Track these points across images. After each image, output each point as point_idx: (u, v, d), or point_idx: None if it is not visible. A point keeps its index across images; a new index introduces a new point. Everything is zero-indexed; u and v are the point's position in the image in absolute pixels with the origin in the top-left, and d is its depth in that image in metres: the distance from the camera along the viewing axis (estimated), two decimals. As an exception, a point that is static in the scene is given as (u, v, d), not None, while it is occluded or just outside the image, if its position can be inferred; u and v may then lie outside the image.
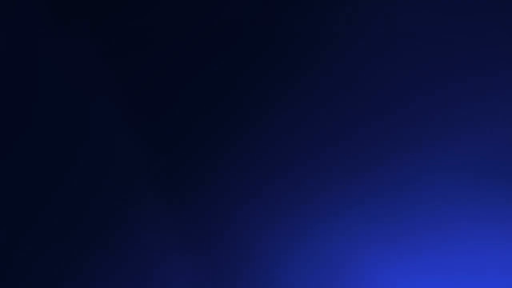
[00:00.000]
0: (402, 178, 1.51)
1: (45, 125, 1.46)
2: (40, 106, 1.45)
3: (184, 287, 1.61)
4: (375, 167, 1.52)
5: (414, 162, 1.49)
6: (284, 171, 1.57)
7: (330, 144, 1.52)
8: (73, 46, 1.53)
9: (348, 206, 1.55)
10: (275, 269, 1.63)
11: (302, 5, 1.46)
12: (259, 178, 1.58)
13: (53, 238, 1.44)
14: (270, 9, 1.48)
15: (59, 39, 1.51)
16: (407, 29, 1.42)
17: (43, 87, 1.46)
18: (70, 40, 1.53)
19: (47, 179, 1.44)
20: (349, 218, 1.56)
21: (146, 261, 1.56)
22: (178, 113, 1.57)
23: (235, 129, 1.56)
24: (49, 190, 1.44)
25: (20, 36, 1.45)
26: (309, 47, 1.48)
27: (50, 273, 1.43)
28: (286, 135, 1.54)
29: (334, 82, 1.48)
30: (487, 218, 1.50)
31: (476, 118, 1.44)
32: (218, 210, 1.62)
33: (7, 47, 1.43)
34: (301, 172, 1.56)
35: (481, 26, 1.37)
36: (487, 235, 1.51)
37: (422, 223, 1.53)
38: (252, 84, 1.52)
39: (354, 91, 1.48)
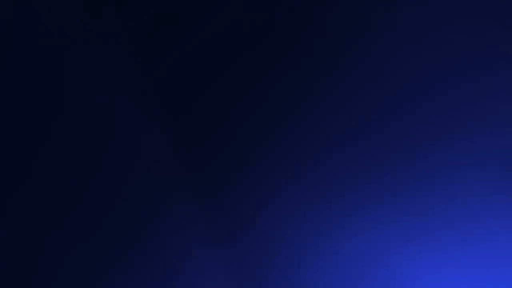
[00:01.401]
0: (428, 175, 1.51)
1: (78, 124, 1.47)
2: (71, 106, 1.47)
3: (213, 280, 1.60)
4: (400, 165, 1.52)
5: (439, 160, 1.49)
6: (310, 169, 1.58)
7: (355, 143, 1.53)
8: (103, 47, 1.54)
9: (373, 203, 1.56)
10: (301, 264, 1.63)
11: (317, 10, 1.48)
12: (286, 175, 1.59)
13: (85, 232, 1.45)
14: (292, 11, 1.50)
15: (90, 39, 1.53)
16: (422, 32, 1.43)
17: (75, 89, 1.48)
18: (100, 40, 1.54)
19: (79, 176, 1.46)
20: (374, 215, 1.57)
21: (175, 256, 1.56)
22: (206, 111, 1.58)
23: (262, 127, 1.56)
24: (81, 186, 1.46)
25: (51, 38, 1.48)
26: (323, 51, 1.49)
27: (84, 263, 1.44)
28: (312, 135, 1.54)
29: (355, 83, 1.50)
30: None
31: (493, 118, 1.45)
32: (245, 206, 1.62)
33: (40, 48, 1.46)
34: (328, 170, 1.57)
35: (493, 27, 1.38)
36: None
37: (447, 219, 1.52)
38: (279, 84, 1.54)
39: (376, 92, 1.49)
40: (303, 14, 1.49)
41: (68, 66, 1.48)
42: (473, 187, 1.50)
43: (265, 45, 1.52)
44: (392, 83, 1.49)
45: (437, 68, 1.45)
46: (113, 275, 1.48)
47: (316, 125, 1.55)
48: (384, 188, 1.55)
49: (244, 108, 1.58)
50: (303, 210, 1.62)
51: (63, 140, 1.45)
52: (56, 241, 1.42)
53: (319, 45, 1.50)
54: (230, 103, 1.59)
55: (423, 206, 1.54)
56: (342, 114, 1.53)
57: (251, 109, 1.57)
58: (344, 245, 1.62)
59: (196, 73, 1.59)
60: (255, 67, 1.55)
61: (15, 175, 1.39)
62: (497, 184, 1.48)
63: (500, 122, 1.44)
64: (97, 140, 1.50)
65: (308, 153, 1.57)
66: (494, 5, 1.35)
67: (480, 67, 1.42)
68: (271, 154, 1.60)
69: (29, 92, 1.42)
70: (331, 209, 1.61)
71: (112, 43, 1.56)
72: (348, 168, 1.56)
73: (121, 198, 1.51)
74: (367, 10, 1.45)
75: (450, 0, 1.39)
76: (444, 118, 1.48)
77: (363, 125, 1.53)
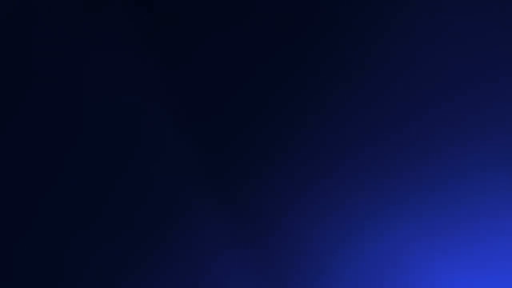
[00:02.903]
0: (447, 175, 1.51)
1: (101, 127, 1.51)
2: (95, 109, 1.51)
3: (237, 282, 1.62)
4: (419, 165, 1.53)
5: (465, 158, 1.49)
6: (332, 171, 1.58)
7: (382, 140, 1.54)
8: (125, 49, 1.57)
9: (399, 202, 1.56)
10: (327, 264, 1.64)
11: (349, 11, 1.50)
12: (308, 177, 1.59)
13: (110, 235, 1.50)
14: (315, 13, 1.51)
15: (110, 44, 1.56)
16: (441, 33, 1.44)
17: (96, 91, 1.51)
18: (122, 44, 1.57)
19: (104, 180, 1.50)
20: (403, 215, 1.57)
21: (200, 258, 1.58)
22: (230, 114, 1.59)
23: (285, 130, 1.58)
24: (106, 189, 1.50)
25: (75, 42, 1.51)
26: (343, 55, 1.51)
27: (109, 264, 1.49)
28: (334, 137, 1.56)
29: (374, 85, 1.51)
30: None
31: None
32: (269, 208, 1.63)
33: (59, 52, 1.48)
34: (348, 171, 1.57)
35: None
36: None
37: (468, 218, 1.52)
38: (301, 87, 1.55)
39: (394, 93, 1.50)
40: (325, 16, 1.50)
41: (88, 68, 1.52)
42: (491, 186, 1.49)
43: (288, 48, 1.54)
44: (410, 84, 1.49)
45: (455, 69, 1.45)
46: (139, 276, 1.52)
47: (337, 128, 1.56)
48: (405, 188, 1.55)
49: (267, 111, 1.59)
50: (326, 211, 1.62)
51: (87, 144, 1.49)
52: (81, 242, 1.47)
53: (339, 49, 1.51)
54: (253, 107, 1.60)
55: (444, 205, 1.54)
56: (360, 117, 1.54)
57: (274, 112, 1.58)
58: (368, 245, 1.62)
59: (219, 75, 1.60)
60: (278, 70, 1.56)
61: (40, 178, 1.43)
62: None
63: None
64: (120, 144, 1.53)
65: (330, 155, 1.58)
66: None
67: (499, 67, 1.42)
68: (294, 157, 1.60)
69: (50, 96, 1.46)
70: (353, 210, 1.61)
71: (133, 46, 1.59)
72: (367, 170, 1.56)
73: (146, 201, 1.54)
74: (388, 14, 1.46)
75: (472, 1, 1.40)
76: (462, 117, 1.48)
77: (381, 127, 1.53)
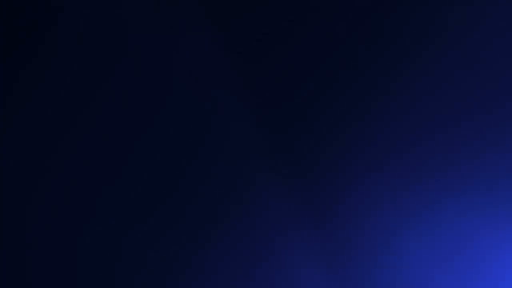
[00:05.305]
0: None
1: (174, 107, 1.56)
2: (170, 94, 1.56)
3: (301, 258, 1.62)
4: (486, 156, 1.53)
5: None
6: (400, 153, 1.57)
7: (459, 123, 1.54)
8: (197, 40, 1.60)
9: (464, 190, 1.56)
10: (391, 244, 1.62)
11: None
12: (373, 159, 1.59)
13: (178, 211, 1.55)
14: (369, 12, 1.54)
15: (184, 35, 1.59)
16: (496, 32, 1.46)
17: (171, 74, 1.57)
18: (195, 35, 1.60)
19: (175, 161, 1.55)
20: (466, 202, 1.57)
21: (263, 237, 1.59)
22: (297, 92, 1.60)
23: (355, 108, 1.58)
24: (178, 169, 1.55)
25: (151, 35, 1.57)
26: (398, 52, 1.53)
27: (175, 243, 1.54)
28: (402, 120, 1.56)
29: (438, 79, 1.53)
30: None
31: None
32: (333, 188, 1.62)
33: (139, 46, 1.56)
34: (424, 149, 1.56)
35: None
36: None
37: None
38: (360, 77, 1.57)
39: (466, 83, 1.52)
40: (378, 14, 1.54)
41: (163, 54, 1.57)
42: None
43: (350, 42, 1.56)
44: (475, 82, 1.51)
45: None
46: (203, 251, 1.55)
47: (407, 110, 1.56)
48: (475, 175, 1.55)
49: (335, 89, 1.59)
50: (394, 191, 1.60)
51: (161, 124, 1.55)
52: (147, 220, 1.53)
53: (394, 45, 1.54)
54: (320, 86, 1.60)
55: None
56: (436, 110, 1.55)
57: (341, 92, 1.58)
58: (431, 230, 1.60)
59: (285, 60, 1.60)
60: (341, 58, 1.58)
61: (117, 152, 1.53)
62: None
63: None
64: (192, 123, 1.57)
65: (396, 138, 1.57)
66: None
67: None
68: (363, 137, 1.59)
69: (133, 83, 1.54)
70: (419, 194, 1.59)
71: (204, 32, 1.60)
72: (436, 155, 1.56)
73: (212, 178, 1.57)
74: (441, 11, 1.48)
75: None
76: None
77: (459, 112, 1.54)
